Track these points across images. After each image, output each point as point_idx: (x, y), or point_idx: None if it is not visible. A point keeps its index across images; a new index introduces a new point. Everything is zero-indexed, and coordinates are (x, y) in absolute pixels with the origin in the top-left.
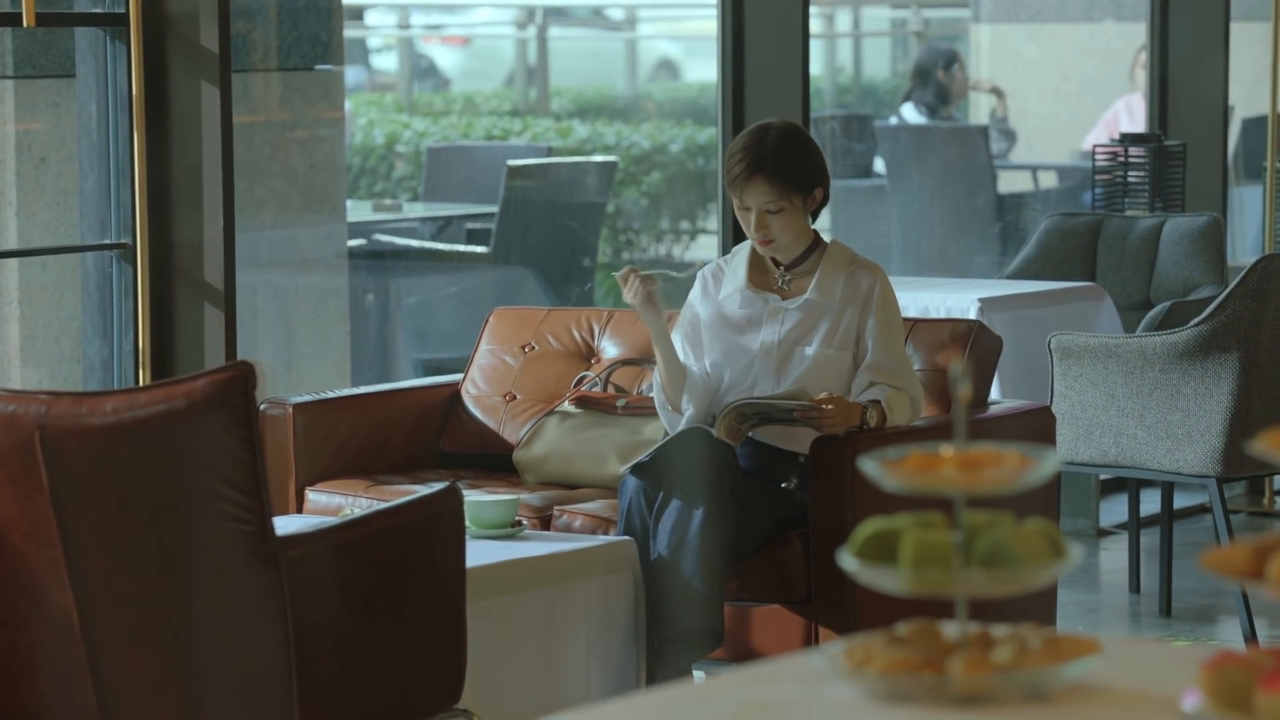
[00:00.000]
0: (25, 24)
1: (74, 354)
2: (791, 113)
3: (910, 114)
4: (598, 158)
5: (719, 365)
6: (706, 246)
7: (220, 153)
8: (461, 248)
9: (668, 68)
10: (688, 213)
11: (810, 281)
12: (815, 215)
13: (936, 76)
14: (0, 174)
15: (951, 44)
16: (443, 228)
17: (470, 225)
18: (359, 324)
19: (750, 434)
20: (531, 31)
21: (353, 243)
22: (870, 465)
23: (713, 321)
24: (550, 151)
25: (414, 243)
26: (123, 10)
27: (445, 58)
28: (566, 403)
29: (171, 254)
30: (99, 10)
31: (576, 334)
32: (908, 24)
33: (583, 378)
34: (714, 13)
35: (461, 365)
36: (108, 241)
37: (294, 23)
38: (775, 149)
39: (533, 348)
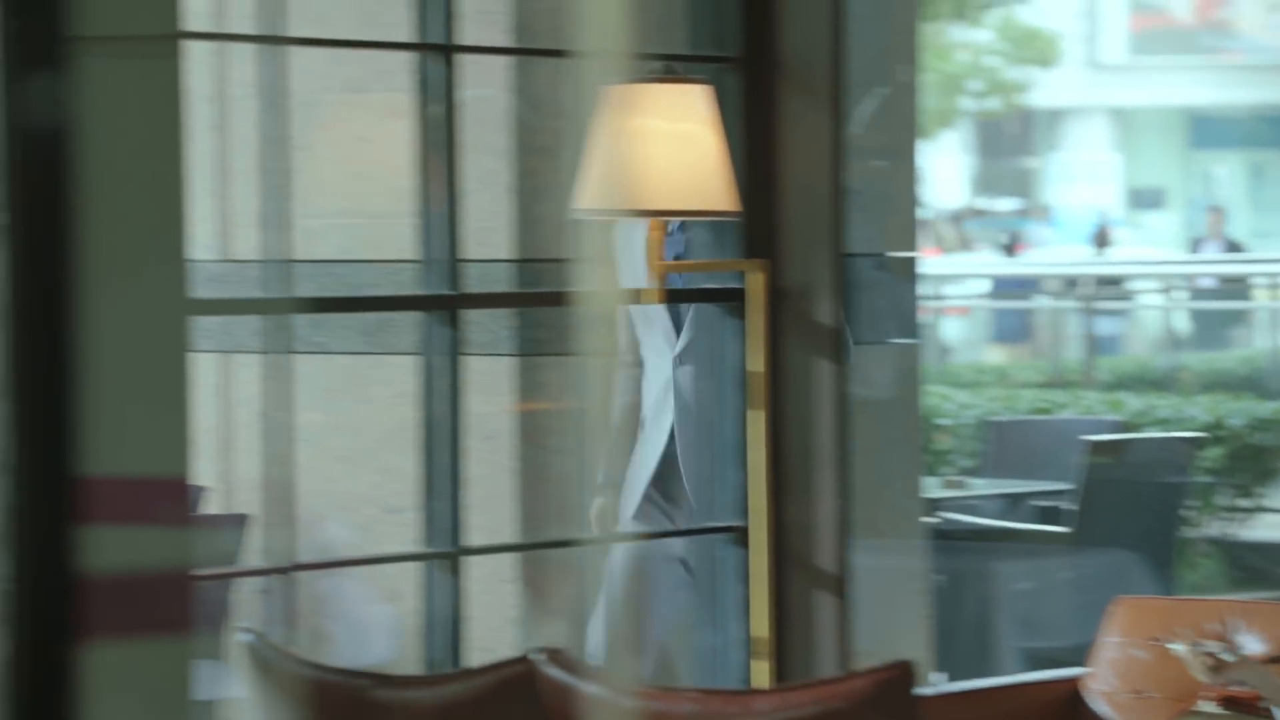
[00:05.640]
0: (656, 301)
1: (661, 638)
2: None
3: None
4: (1180, 433)
5: None
6: (1269, 525)
7: (835, 431)
8: (1042, 527)
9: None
10: (1246, 490)
11: None
12: None
13: None
14: (589, 455)
15: None
16: (1013, 506)
17: (1036, 503)
18: (937, 606)
19: None
20: (1070, 303)
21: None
22: None
23: None
24: (1124, 426)
25: (990, 522)
26: (739, 285)
27: (946, 328)
28: (1207, 702)
29: (781, 537)
30: (714, 285)
31: (1211, 626)
32: None
33: None
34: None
35: (1067, 655)
36: (716, 525)
37: (874, 295)
38: None
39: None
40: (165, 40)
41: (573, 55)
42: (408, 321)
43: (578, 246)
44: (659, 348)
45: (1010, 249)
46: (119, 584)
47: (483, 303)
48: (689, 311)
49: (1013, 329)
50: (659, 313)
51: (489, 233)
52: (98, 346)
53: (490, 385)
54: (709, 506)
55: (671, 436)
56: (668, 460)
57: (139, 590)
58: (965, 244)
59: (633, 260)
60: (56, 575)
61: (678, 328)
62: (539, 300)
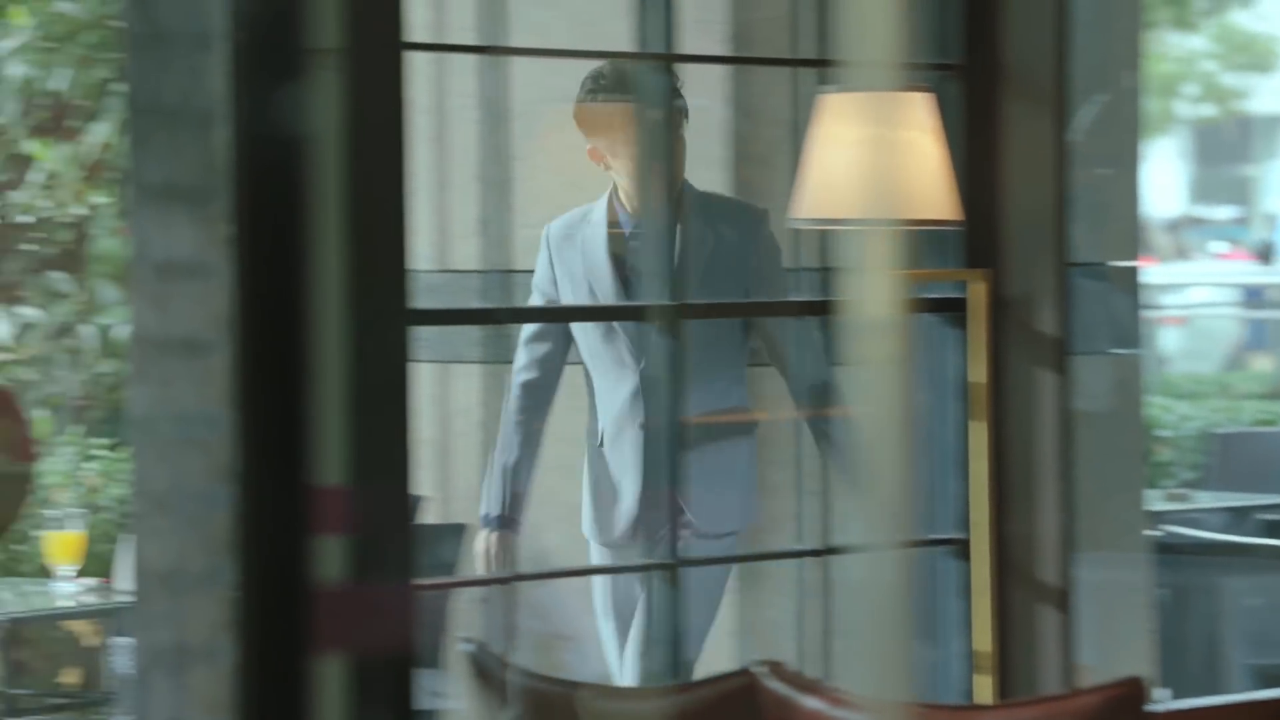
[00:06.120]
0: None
1: (874, 652)
2: None
3: None
4: None
5: None
6: None
7: (1057, 442)
8: (1270, 542)
9: None
10: None
11: None
12: None
13: None
14: (807, 466)
15: None
16: (1238, 519)
17: (1263, 516)
18: (1160, 621)
19: None
20: None
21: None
22: None
23: None
24: None
25: (1215, 535)
26: (962, 295)
27: (1165, 338)
28: None
29: (1002, 550)
30: (936, 295)
31: None
32: None
33: None
34: None
35: None
36: (936, 536)
37: (1096, 305)
38: None
39: None
40: (389, 52)
41: (793, 64)
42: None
43: (847, 255)
44: (619, 362)
45: (1267, 257)
46: (341, 593)
47: (703, 313)
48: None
49: (1236, 339)
50: (620, 327)
51: None
52: (322, 356)
53: None
54: (928, 518)
55: (648, 453)
56: (649, 477)
57: (361, 600)
58: (1182, 253)
59: (589, 269)
60: (285, 584)
61: (641, 344)
62: (758, 310)
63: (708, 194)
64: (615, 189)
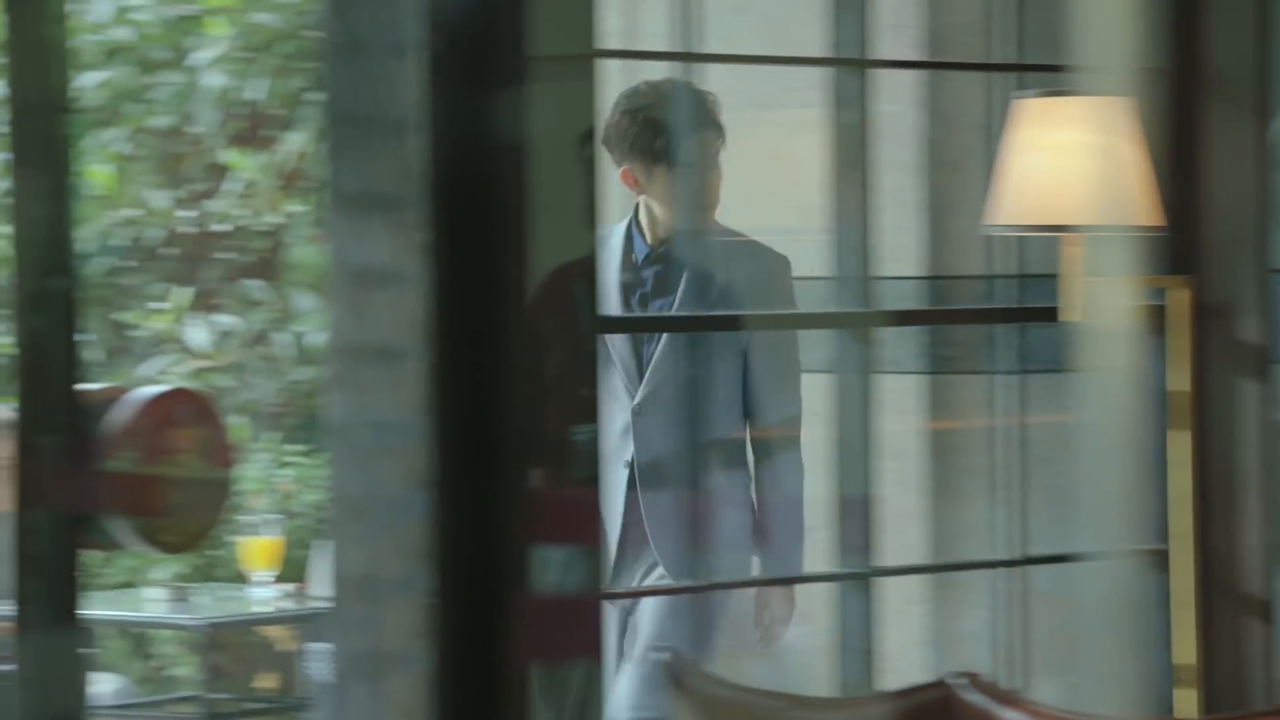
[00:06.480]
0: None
1: (1074, 664)
2: None
3: None
4: None
5: None
6: None
7: (1260, 453)
8: None
9: None
10: None
11: None
12: None
13: None
14: (1001, 475)
15: None
16: None
17: None
18: None
19: None
20: None
21: None
22: None
23: None
24: None
25: None
26: (1161, 302)
27: None
28: None
29: (1204, 562)
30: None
31: None
32: None
33: None
34: None
35: None
36: (1136, 547)
37: None
38: None
39: None
40: (582, 60)
41: (987, 69)
42: (818, 338)
43: (1063, 262)
44: (613, 395)
45: None
46: (536, 601)
47: (900, 320)
48: (653, 357)
49: None
50: (621, 355)
51: (899, 249)
52: (514, 364)
53: (899, 403)
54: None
55: (632, 486)
56: (628, 511)
57: (555, 608)
58: None
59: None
60: (480, 591)
61: (641, 373)
62: (957, 318)
63: (731, 232)
64: (637, 214)
